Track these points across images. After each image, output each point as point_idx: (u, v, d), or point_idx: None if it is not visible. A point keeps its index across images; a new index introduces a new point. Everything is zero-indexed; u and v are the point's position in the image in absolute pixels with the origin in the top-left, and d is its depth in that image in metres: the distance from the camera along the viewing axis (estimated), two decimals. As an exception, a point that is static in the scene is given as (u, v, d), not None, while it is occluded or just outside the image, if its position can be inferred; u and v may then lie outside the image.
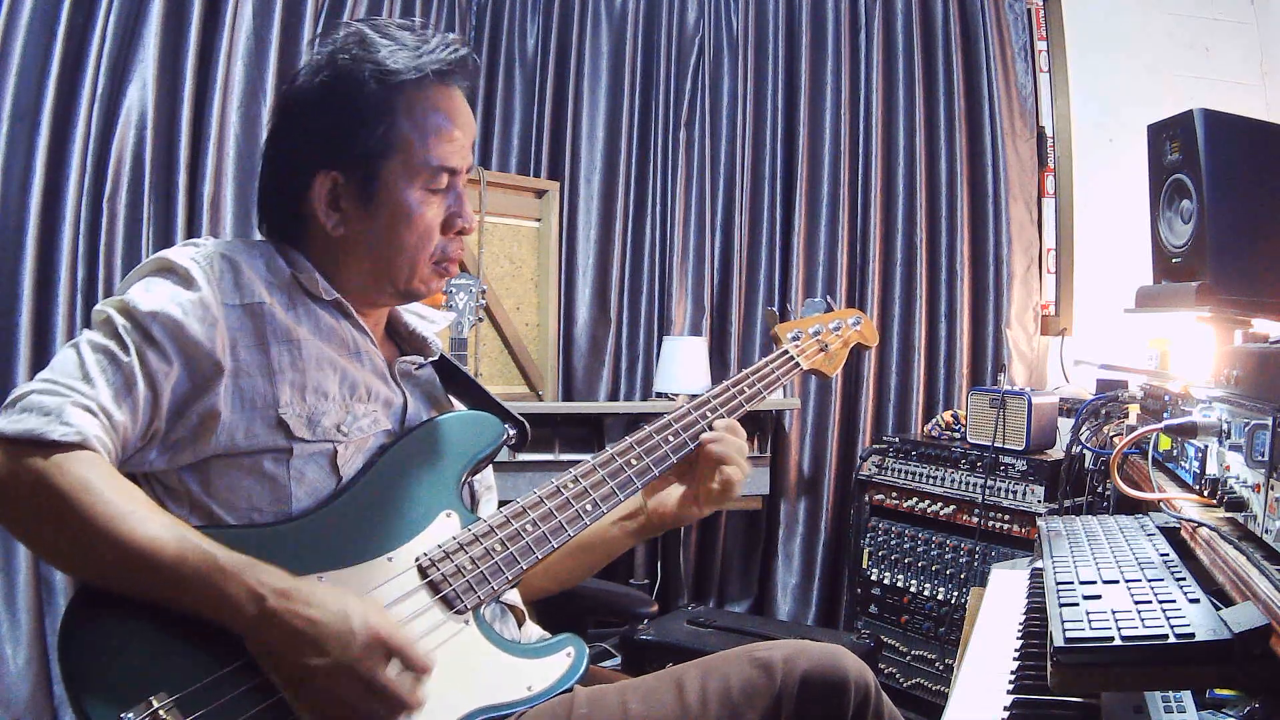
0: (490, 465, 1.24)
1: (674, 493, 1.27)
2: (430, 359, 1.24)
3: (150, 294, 0.99)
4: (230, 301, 1.01)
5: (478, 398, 1.26)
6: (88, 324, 1.02)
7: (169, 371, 0.96)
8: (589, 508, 1.14)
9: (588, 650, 1.10)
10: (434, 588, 1.02)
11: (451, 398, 1.26)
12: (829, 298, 1.72)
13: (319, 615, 0.88)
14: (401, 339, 1.25)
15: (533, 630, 1.23)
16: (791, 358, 1.42)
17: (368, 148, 1.07)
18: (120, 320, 0.97)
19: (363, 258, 1.11)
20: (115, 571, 0.87)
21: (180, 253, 1.03)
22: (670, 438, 1.23)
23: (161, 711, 0.82)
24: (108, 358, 0.94)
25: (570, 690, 1.06)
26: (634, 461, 1.19)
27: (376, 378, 1.13)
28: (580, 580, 1.36)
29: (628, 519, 1.29)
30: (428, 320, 1.28)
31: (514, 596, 1.22)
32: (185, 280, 1.00)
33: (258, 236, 1.18)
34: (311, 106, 1.08)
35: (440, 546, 1.05)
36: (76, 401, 0.90)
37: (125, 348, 0.95)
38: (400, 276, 1.11)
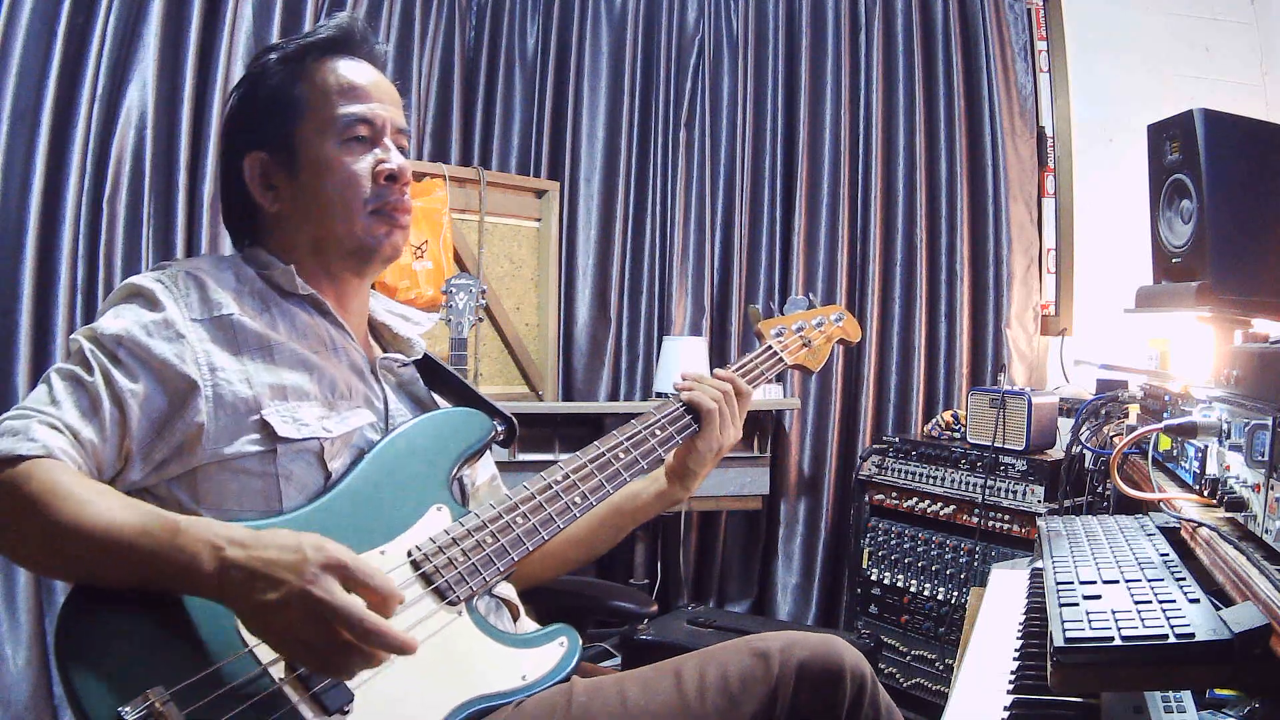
0: (480, 459, 1.26)
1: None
2: (414, 358, 1.26)
3: (117, 319, 1.03)
4: (198, 317, 1.05)
5: (464, 395, 1.28)
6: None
7: (136, 390, 0.99)
8: (578, 500, 1.17)
9: (581, 641, 1.12)
10: (427, 579, 1.03)
11: (436, 396, 1.29)
12: (811, 295, 1.74)
13: (274, 554, 0.86)
14: (385, 342, 1.28)
15: (528, 625, 1.23)
16: (775, 353, 1.45)
17: (281, 119, 1.14)
18: (88, 346, 1.01)
19: (301, 225, 1.15)
20: (87, 560, 0.89)
21: (146, 276, 1.08)
22: (657, 430, 1.27)
23: (159, 705, 0.82)
24: (73, 381, 0.98)
25: (566, 680, 1.08)
26: (622, 455, 1.23)
27: (355, 374, 1.15)
28: (610, 547, 1.40)
29: (650, 482, 1.36)
30: (411, 322, 1.30)
31: (509, 591, 1.23)
32: (150, 302, 1.04)
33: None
34: (236, 109, 1.18)
35: (432, 539, 1.06)
36: (42, 420, 0.94)
37: (90, 369, 0.99)
38: (339, 230, 1.14)
